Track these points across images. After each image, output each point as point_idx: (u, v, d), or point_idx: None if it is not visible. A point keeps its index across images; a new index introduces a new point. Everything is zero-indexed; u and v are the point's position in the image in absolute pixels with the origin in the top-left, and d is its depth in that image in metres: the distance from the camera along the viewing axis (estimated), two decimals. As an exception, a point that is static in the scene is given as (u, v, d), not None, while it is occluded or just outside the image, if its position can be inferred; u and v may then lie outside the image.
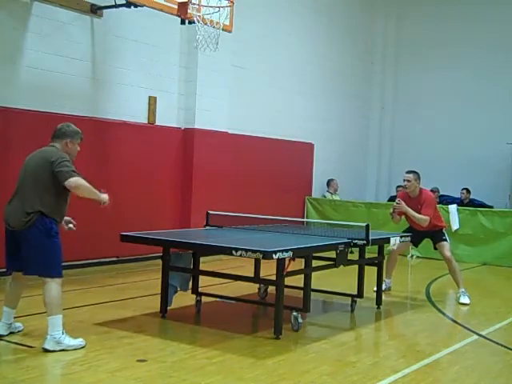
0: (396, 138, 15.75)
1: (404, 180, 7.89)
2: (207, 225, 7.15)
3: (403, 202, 7.70)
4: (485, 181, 13.82)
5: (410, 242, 7.97)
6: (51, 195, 4.94)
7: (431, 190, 13.32)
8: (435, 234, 7.89)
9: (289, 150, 12.73)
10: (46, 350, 4.84)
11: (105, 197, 5.16)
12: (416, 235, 7.82)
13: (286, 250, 5.34)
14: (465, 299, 7.68)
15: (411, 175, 7.85)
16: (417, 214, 7.68)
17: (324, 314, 7.11)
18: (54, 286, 4.91)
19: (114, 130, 9.39)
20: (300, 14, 13.13)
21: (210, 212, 7.20)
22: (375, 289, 7.30)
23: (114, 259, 9.44)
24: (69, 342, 4.92)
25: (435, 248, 8.03)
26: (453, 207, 11.53)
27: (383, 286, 7.75)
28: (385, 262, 7.50)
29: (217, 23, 7.91)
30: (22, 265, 5.03)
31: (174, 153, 10.32)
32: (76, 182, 4.89)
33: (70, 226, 5.35)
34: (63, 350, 4.85)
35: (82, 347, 4.97)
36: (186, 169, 10.42)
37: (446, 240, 7.90)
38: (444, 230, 8.03)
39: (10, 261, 5.17)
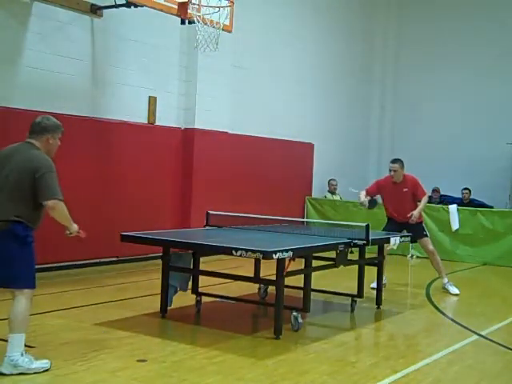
0: (396, 138, 15.75)
1: (390, 170, 8.18)
2: (207, 225, 7.15)
3: (414, 213, 7.92)
4: (485, 181, 13.81)
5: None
6: (31, 204, 4.43)
7: (433, 190, 13.44)
8: (415, 227, 8.03)
9: (289, 150, 12.73)
10: (2, 374, 4.27)
11: (75, 227, 4.64)
12: (394, 226, 8.04)
13: (286, 250, 5.34)
14: (454, 289, 8.01)
15: (397, 165, 8.17)
16: (423, 204, 8.09)
17: (324, 314, 7.11)
18: (22, 300, 4.37)
19: (114, 130, 9.39)
20: (300, 13, 13.13)
21: (210, 212, 7.20)
22: (372, 286, 7.36)
23: (114, 259, 9.44)
24: (29, 364, 4.35)
25: (414, 241, 8.27)
26: (453, 207, 11.54)
27: None
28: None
29: (217, 23, 7.91)
30: None
31: (174, 153, 10.31)
32: (54, 204, 4.40)
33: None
34: (21, 374, 4.30)
35: (46, 370, 4.40)
36: (186, 169, 10.42)
37: (427, 235, 8.25)
38: (423, 224, 8.31)
39: None
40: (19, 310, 4.35)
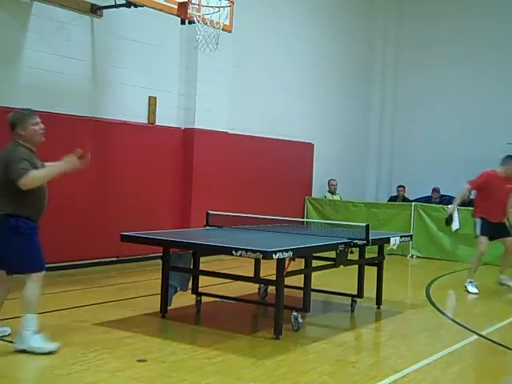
0: (396, 138, 15.75)
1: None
2: (207, 225, 7.15)
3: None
4: (485, 181, 13.78)
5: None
6: (15, 195, 4.71)
7: (433, 190, 13.43)
8: (504, 225, 8.26)
9: (289, 150, 12.72)
10: (16, 349, 4.74)
11: (67, 162, 4.84)
12: (493, 229, 8.18)
13: (286, 250, 5.34)
14: None
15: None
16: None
17: (324, 314, 7.11)
18: (29, 284, 4.78)
19: (114, 130, 9.39)
20: (300, 13, 13.13)
21: (210, 212, 7.20)
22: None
23: (114, 259, 9.44)
24: (37, 343, 4.75)
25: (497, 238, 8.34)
26: (453, 207, 11.51)
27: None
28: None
29: (217, 23, 7.91)
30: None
31: (174, 153, 10.32)
32: (26, 180, 4.66)
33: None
34: (32, 353, 4.71)
35: (51, 352, 4.75)
36: (186, 169, 10.42)
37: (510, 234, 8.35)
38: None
39: None
40: (27, 293, 4.78)
